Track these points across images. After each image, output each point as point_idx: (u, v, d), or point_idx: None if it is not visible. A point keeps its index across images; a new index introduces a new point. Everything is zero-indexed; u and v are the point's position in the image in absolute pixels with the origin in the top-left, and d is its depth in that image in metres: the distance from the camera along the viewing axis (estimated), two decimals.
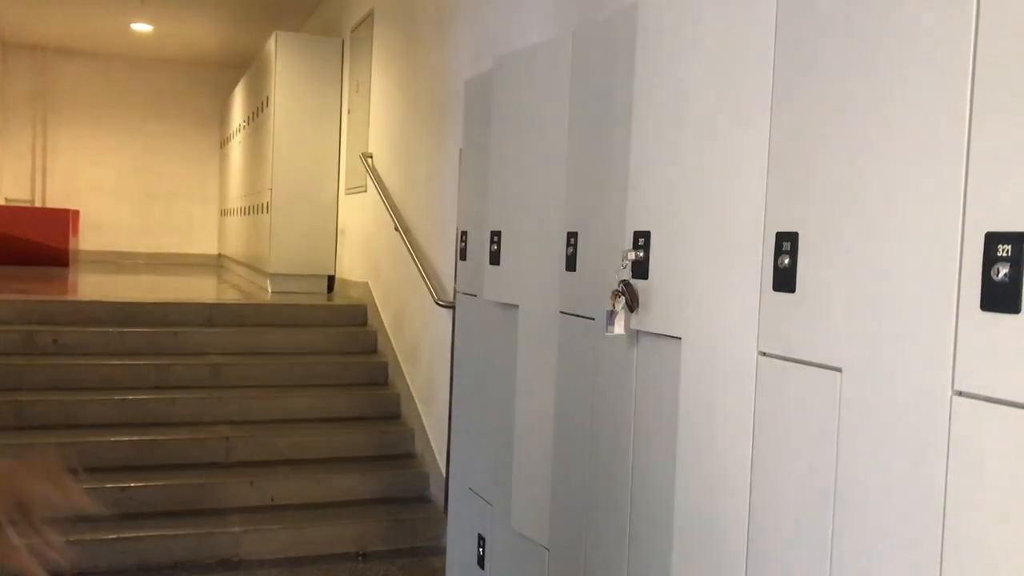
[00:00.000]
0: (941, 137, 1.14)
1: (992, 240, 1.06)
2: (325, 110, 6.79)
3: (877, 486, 1.22)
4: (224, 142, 10.74)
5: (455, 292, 3.20)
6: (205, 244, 11.54)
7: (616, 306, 1.77)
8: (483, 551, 2.67)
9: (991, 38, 1.08)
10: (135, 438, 4.16)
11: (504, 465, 2.49)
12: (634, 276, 1.78)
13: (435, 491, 4.26)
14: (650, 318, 1.75)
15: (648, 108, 1.79)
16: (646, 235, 1.76)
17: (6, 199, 10.67)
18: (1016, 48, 1.05)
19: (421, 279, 4.42)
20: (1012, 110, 1.05)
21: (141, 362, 4.65)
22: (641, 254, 1.76)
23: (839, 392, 1.29)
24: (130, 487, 3.87)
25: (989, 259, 1.06)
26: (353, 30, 6.59)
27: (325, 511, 4.03)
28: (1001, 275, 1.04)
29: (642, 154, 1.79)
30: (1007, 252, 1.04)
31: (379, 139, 5.79)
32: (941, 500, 1.12)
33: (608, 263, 1.95)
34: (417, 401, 4.66)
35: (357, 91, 6.35)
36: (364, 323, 5.60)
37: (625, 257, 1.78)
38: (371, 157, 5.84)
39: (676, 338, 1.66)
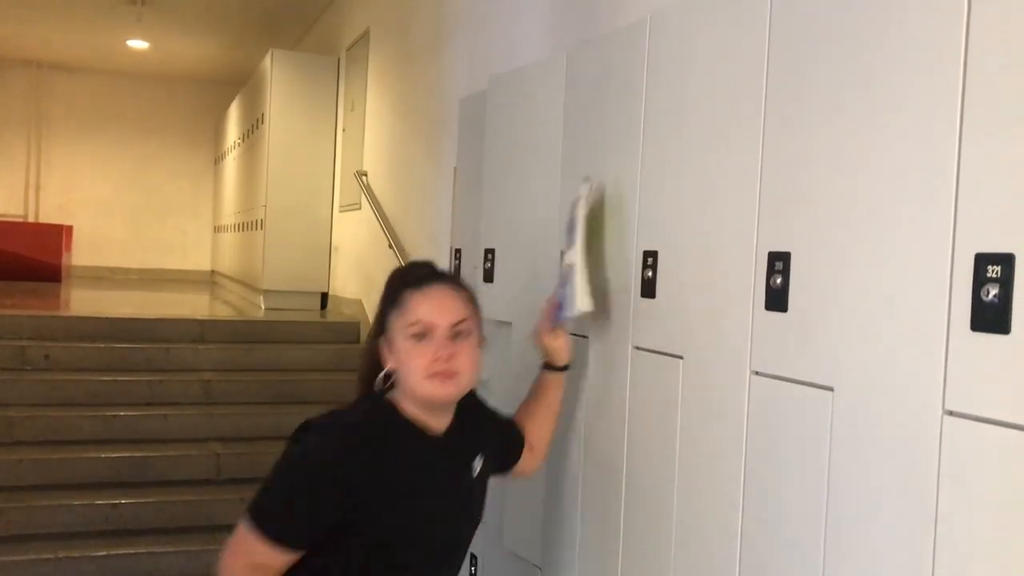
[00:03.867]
0: (931, 158, 1.15)
1: (982, 261, 1.07)
2: (320, 128, 6.81)
3: (868, 504, 1.22)
4: (219, 159, 10.75)
5: None
6: (198, 260, 11.51)
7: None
8: (475, 570, 2.66)
9: (980, 61, 1.09)
10: (126, 455, 4.14)
11: (496, 483, 2.48)
12: (642, 295, 1.78)
13: None
14: (654, 336, 1.76)
15: (653, 129, 1.80)
16: (654, 254, 1.76)
17: None
18: (1004, 71, 1.06)
19: None
20: (1001, 131, 1.06)
21: (133, 378, 4.63)
22: (650, 273, 1.76)
23: (831, 411, 1.30)
24: (120, 504, 3.84)
25: (979, 280, 1.07)
26: (348, 49, 6.61)
27: None
28: (991, 296, 1.05)
29: (650, 174, 1.80)
30: (997, 273, 1.05)
31: (374, 157, 5.80)
32: (932, 518, 1.12)
33: (601, 281, 1.95)
34: None
35: (352, 109, 6.37)
36: (357, 340, 5.58)
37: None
38: (365, 175, 5.85)
39: (677, 357, 1.67)
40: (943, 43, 1.14)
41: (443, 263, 4.06)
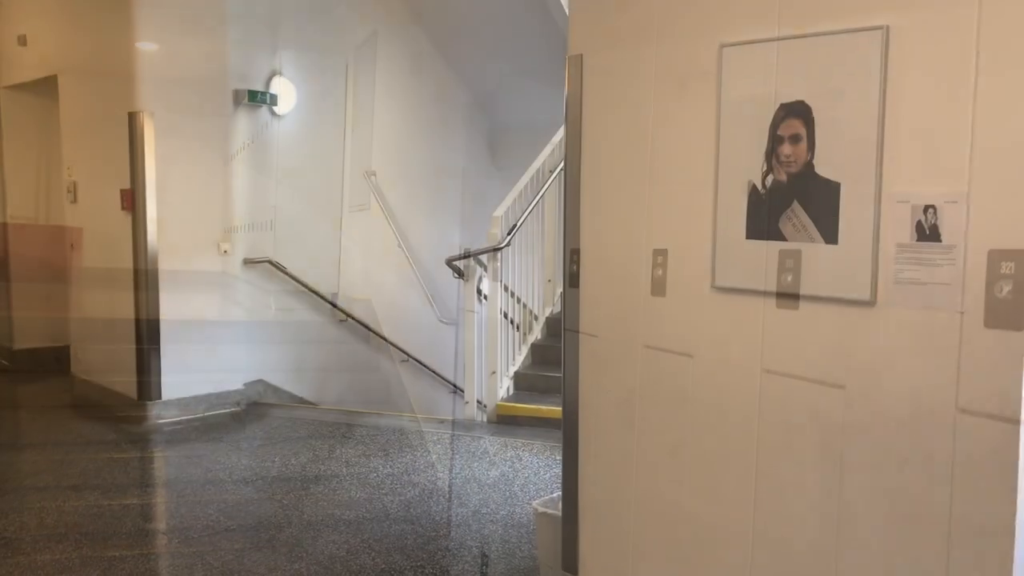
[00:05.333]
0: (942, 157, 1.14)
1: (995, 258, 1.06)
2: (329, 128, 6.81)
3: (881, 502, 1.22)
4: (228, 160, 10.77)
5: (458, 309, 3.20)
6: (208, 261, 11.54)
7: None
8: (486, 570, 2.66)
9: (993, 60, 1.09)
10: (138, 455, 4.15)
11: (505, 482, 2.48)
12: (653, 294, 1.78)
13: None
14: (664, 335, 1.75)
15: (662, 129, 1.80)
16: (664, 253, 1.75)
17: (10, 216, 10.69)
18: (1015, 68, 1.06)
19: (424, 296, 4.43)
20: (1016, 127, 1.06)
21: (145, 377, 4.64)
22: (660, 272, 1.75)
23: (842, 409, 1.29)
24: (130, 505, 3.86)
25: (992, 276, 1.06)
26: (357, 49, 6.62)
27: None
28: (1004, 292, 1.04)
29: (659, 173, 1.80)
30: (1011, 269, 1.04)
31: (382, 157, 5.81)
32: (946, 516, 1.11)
33: (608, 279, 1.95)
34: (420, 418, 4.65)
35: (361, 109, 6.38)
36: (367, 340, 5.60)
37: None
38: (374, 175, 5.85)
39: (687, 355, 1.66)
40: (955, 36, 1.13)
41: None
